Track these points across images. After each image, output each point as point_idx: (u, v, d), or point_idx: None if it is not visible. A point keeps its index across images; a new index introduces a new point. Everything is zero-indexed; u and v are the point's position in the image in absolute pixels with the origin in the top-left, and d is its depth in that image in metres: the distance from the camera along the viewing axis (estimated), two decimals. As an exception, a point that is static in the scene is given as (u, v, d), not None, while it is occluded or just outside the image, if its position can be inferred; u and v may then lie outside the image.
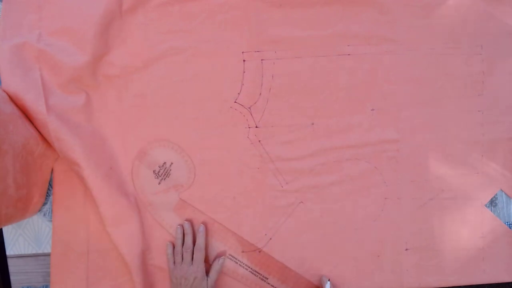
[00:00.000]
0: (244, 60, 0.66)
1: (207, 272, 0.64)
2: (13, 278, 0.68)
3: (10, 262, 0.68)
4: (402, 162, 0.67)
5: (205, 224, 0.66)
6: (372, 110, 0.66)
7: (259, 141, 0.66)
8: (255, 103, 0.66)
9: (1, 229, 0.68)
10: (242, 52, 0.66)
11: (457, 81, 0.66)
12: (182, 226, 0.65)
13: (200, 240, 0.64)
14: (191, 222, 0.66)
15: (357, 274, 0.68)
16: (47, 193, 0.66)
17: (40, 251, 0.67)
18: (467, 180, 0.67)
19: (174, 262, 0.64)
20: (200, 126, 0.66)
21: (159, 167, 0.66)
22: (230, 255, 0.67)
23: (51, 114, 0.61)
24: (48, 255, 0.67)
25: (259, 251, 0.68)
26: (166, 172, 0.66)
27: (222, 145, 0.66)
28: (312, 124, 0.66)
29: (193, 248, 0.64)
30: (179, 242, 0.64)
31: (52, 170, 0.66)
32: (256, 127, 0.66)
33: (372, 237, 0.68)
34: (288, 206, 0.67)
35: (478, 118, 0.67)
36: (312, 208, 0.67)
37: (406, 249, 0.68)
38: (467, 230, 0.68)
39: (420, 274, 0.68)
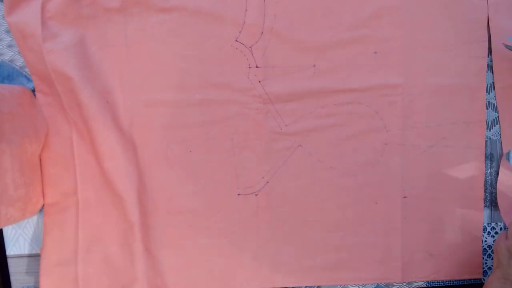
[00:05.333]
0: (246, -2, 0.64)
1: None
2: (13, 278, 0.68)
3: (10, 262, 0.68)
4: (404, 107, 0.66)
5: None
6: (375, 53, 0.65)
7: (259, 81, 0.65)
8: (256, 42, 0.65)
9: (1, 229, 0.67)
10: (245, -11, 0.64)
11: (461, 26, 0.65)
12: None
13: None
14: None
15: (353, 220, 0.67)
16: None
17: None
18: (469, 128, 0.66)
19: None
20: (199, 64, 0.65)
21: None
22: None
23: (47, 45, 0.60)
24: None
25: (256, 195, 0.67)
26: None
27: (222, 85, 0.65)
28: (314, 66, 0.65)
29: None
30: None
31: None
32: (257, 67, 0.65)
33: (370, 184, 0.67)
34: (287, 149, 0.66)
35: (482, 65, 0.66)
36: (311, 152, 0.66)
37: (404, 197, 0.67)
38: (468, 179, 0.67)
39: (419, 223, 0.67)
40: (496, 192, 0.68)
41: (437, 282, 0.69)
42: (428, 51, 0.65)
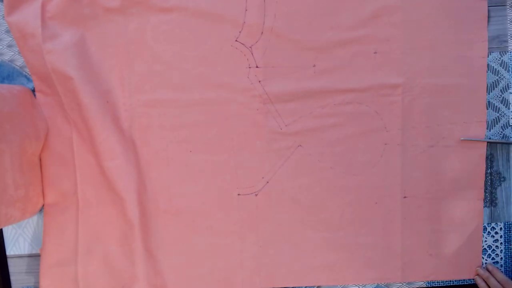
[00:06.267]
0: (246, -2, 0.64)
1: None
2: (13, 278, 0.68)
3: (10, 262, 0.68)
4: (404, 107, 0.66)
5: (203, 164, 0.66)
6: (375, 53, 0.65)
7: (259, 81, 0.65)
8: (256, 42, 0.65)
9: (1, 229, 0.68)
10: (245, -11, 0.64)
11: (461, 26, 0.65)
12: (478, 275, 0.67)
13: (500, 276, 0.65)
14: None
15: (353, 220, 0.67)
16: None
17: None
18: (469, 128, 0.66)
19: None
20: (199, 64, 0.65)
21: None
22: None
23: (47, 45, 0.60)
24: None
25: (256, 195, 0.67)
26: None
27: (222, 85, 0.65)
28: (314, 66, 0.65)
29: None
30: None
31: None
32: (257, 67, 0.65)
33: (370, 184, 0.67)
34: (287, 149, 0.66)
35: (482, 65, 0.66)
36: (310, 152, 0.66)
37: (404, 197, 0.67)
38: (468, 179, 0.67)
39: (419, 223, 0.67)
40: (496, 192, 0.68)
41: (437, 282, 0.69)
42: (428, 51, 0.65)
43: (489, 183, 0.68)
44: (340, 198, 0.67)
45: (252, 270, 0.68)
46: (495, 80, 0.67)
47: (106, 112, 0.63)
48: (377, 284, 0.69)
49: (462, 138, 0.66)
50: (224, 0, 0.64)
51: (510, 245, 0.69)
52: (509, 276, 0.68)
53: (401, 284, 0.69)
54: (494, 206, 0.68)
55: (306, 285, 0.69)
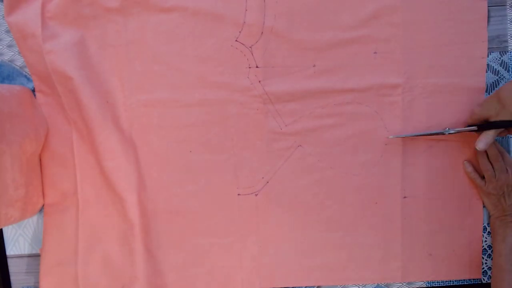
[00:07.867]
0: (246, -2, 0.64)
1: None
2: (13, 278, 0.68)
3: (10, 262, 0.68)
4: (404, 107, 0.66)
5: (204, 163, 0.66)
6: (375, 53, 0.65)
7: (259, 81, 0.65)
8: (256, 42, 0.65)
9: (1, 229, 0.67)
10: (245, -11, 0.64)
11: (461, 26, 0.65)
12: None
13: (495, 147, 0.63)
14: None
15: (353, 220, 0.67)
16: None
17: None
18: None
19: (483, 178, 0.64)
20: (199, 64, 0.65)
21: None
22: None
23: (47, 45, 0.60)
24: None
25: (256, 195, 0.67)
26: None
27: (222, 85, 0.65)
28: (314, 66, 0.65)
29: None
30: (483, 156, 0.64)
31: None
32: (257, 67, 0.65)
33: (370, 184, 0.67)
34: (287, 149, 0.66)
35: (482, 65, 0.66)
36: (310, 152, 0.66)
37: (404, 197, 0.67)
38: (467, 179, 0.67)
39: (419, 223, 0.67)
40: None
41: (437, 282, 0.69)
42: (428, 51, 0.65)
43: (489, 183, 0.68)
44: (340, 198, 0.67)
45: (252, 270, 0.68)
46: (495, 80, 0.67)
47: (106, 112, 0.63)
48: (377, 284, 0.69)
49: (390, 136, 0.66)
50: (224, 0, 0.64)
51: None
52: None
53: (401, 284, 0.69)
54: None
55: (306, 285, 0.69)
